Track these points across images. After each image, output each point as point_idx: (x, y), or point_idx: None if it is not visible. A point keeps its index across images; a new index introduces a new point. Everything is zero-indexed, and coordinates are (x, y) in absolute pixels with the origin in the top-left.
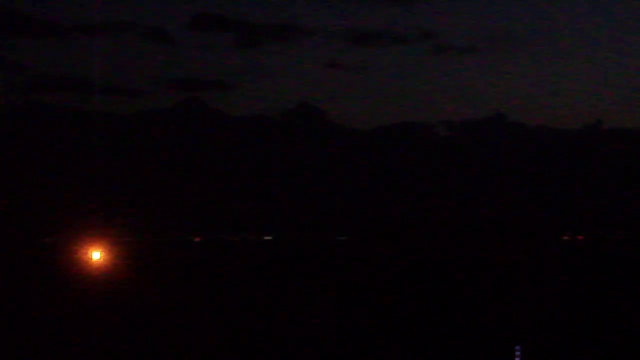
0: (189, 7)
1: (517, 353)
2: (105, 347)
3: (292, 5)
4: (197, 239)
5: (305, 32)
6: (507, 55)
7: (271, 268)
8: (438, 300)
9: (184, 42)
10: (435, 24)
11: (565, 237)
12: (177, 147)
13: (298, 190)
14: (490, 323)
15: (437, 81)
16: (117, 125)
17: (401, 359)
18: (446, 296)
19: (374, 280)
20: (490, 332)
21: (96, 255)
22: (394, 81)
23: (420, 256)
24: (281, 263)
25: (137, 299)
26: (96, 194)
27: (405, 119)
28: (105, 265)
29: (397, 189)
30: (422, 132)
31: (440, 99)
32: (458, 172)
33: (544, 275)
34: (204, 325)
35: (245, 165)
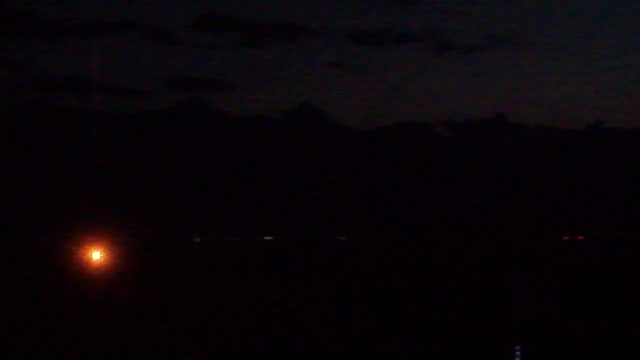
0: (193, 7)
1: (517, 353)
2: (106, 347)
3: (297, 6)
4: (197, 239)
5: (310, 32)
6: (508, 55)
7: (271, 268)
8: (438, 299)
9: (188, 42)
10: (439, 24)
11: (565, 237)
12: (178, 147)
13: (298, 190)
14: (490, 323)
15: (439, 81)
16: (118, 125)
17: (401, 359)
18: (446, 296)
19: (374, 280)
20: (490, 332)
21: (96, 255)
22: (395, 81)
23: (421, 256)
24: (281, 263)
25: (137, 299)
26: (96, 194)
27: (406, 119)
28: (105, 265)
29: (398, 188)
30: (422, 132)
31: (441, 99)
32: (459, 172)
33: (544, 275)
34: (204, 325)
35: (245, 165)
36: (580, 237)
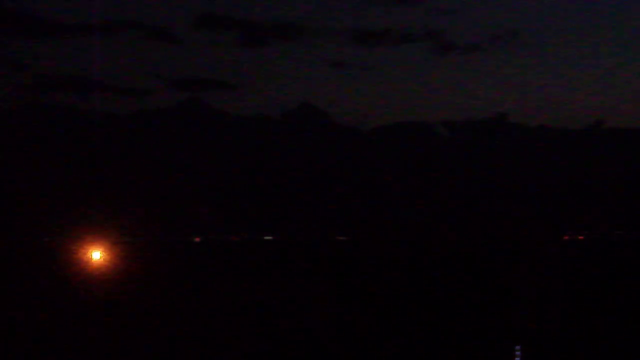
0: (193, 7)
1: (517, 353)
2: (105, 346)
3: (296, 6)
4: (197, 239)
5: (310, 32)
6: (508, 55)
7: (271, 268)
8: (438, 299)
9: (189, 42)
10: (440, 23)
11: (565, 237)
12: (178, 146)
13: (298, 190)
14: (491, 323)
15: (440, 81)
16: (119, 124)
17: (401, 359)
18: (446, 296)
19: (374, 280)
20: (491, 332)
21: (96, 255)
22: (396, 80)
23: (421, 256)
24: (281, 263)
25: (137, 299)
26: (96, 193)
27: (406, 119)
28: (105, 265)
29: (398, 188)
30: (422, 132)
31: (441, 99)
32: (459, 171)
33: (544, 275)
34: (204, 324)
35: (245, 165)
36: (580, 237)
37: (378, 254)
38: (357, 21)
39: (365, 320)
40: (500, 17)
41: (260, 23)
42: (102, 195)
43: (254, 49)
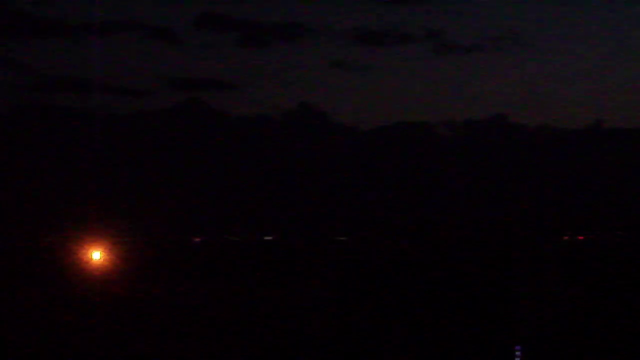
0: (193, 7)
1: (517, 353)
2: (105, 347)
3: (296, 6)
4: (197, 239)
5: (310, 32)
6: (508, 55)
7: (271, 268)
8: (437, 300)
9: (188, 42)
10: (440, 23)
11: (565, 237)
12: (178, 147)
13: (298, 190)
14: (491, 323)
15: (440, 81)
16: (118, 125)
17: (401, 359)
18: (446, 296)
19: (373, 281)
20: (491, 332)
21: (96, 255)
22: (396, 81)
23: (420, 257)
24: (281, 263)
25: (137, 299)
26: (96, 193)
27: (407, 119)
28: (105, 265)
29: (397, 189)
30: (422, 132)
31: (442, 99)
32: (459, 172)
33: (544, 275)
34: (203, 325)
35: (245, 165)
36: (580, 237)
37: (378, 254)
38: (357, 21)
39: (365, 321)
40: (500, 17)
41: (260, 23)
42: (102, 195)
43: (254, 49)
